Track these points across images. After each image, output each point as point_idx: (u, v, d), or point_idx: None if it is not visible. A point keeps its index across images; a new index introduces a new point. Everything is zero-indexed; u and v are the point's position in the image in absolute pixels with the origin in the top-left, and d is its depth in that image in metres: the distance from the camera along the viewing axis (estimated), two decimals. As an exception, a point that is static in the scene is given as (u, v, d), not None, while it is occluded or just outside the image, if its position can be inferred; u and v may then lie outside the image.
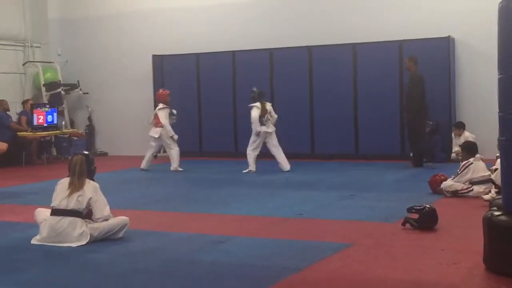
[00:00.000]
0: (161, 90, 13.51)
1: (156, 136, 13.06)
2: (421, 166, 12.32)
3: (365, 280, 5.28)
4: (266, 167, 12.48)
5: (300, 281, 5.32)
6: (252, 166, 12.39)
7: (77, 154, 7.13)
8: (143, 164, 13.24)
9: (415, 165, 12.40)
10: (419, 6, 14.03)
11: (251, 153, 12.44)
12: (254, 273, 5.58)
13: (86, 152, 7.50)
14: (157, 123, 13.05)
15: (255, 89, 12.53)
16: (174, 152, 13.01)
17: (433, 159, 12.56)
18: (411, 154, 12.71)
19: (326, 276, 5.41)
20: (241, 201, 9.29)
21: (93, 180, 6.97)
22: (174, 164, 13.01)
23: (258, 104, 12.33)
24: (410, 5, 14.12)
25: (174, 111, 13.20)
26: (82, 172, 6.81)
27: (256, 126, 12.33)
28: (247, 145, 12.91)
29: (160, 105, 13.07)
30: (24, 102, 16.00)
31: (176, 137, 12.99)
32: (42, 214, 6.98)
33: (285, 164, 12.49)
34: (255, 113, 12.29)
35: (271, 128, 12.47)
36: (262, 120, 12.31)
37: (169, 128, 12.96)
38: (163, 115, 12.97)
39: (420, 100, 12.44)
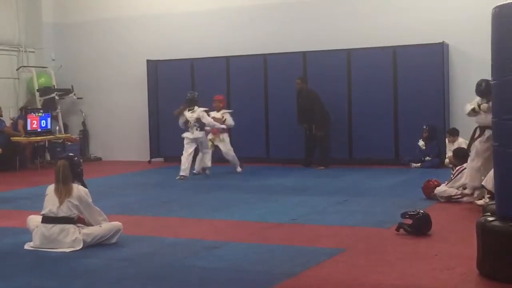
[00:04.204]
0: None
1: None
2: (328, 167, 13.61)
3: (359, 285, 5.28)
4: (258, 172, 12.43)
5: (293, 287, 5.31)
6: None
7: (61, 159, 6.90)
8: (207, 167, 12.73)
9: (326, 166, 13.63)
10: (413, 12, 14.04)
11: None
12: (247, 278, 5.57)
13: (71, 154, 7.28)
14: None
15: (194, 93, 12.86)
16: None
17: (327, 165, 13.65)
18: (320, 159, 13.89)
19: (320, 282, 5.40)
20: (235, 206, 9.27)
21: (83, 183, 6.86)
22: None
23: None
24: (404, 11, 14.13)
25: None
26: (66, 177, 6.66)
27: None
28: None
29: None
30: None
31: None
32: (34, 221, 6.88)
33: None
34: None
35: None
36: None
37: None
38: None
39: (323, 113, 13.77)
